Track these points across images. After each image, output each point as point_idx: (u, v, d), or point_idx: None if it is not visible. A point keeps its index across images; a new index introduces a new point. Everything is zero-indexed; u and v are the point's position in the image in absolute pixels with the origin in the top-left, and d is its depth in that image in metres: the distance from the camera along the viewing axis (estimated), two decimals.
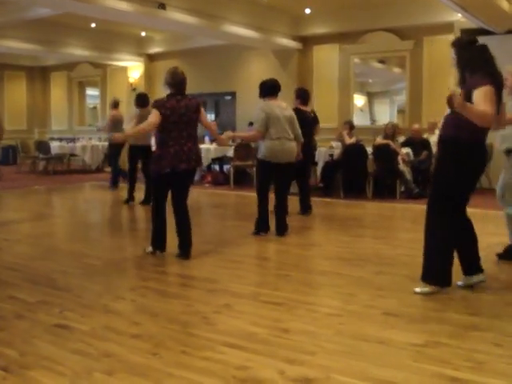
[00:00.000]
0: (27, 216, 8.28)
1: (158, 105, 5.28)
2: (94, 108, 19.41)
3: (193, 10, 11.03)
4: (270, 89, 6.80)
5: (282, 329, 3.53)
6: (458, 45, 4.59)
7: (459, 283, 4.37)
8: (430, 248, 4.27)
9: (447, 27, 11.49)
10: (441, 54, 12.12)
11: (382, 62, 13.86)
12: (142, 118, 9.44)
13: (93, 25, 14.02)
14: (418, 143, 10.42)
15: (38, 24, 13.20)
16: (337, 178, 10.38)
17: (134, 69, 17.15)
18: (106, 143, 13.47)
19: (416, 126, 11.04)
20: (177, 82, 5.45)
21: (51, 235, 6.93)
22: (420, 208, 8.83)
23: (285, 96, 13.88)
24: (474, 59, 4.40)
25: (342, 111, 13.53)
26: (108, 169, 16.13)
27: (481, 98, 3.98)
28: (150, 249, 5.64)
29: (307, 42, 13.93)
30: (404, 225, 7.81)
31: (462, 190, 4.27)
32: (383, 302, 4.06)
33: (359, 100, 14.46)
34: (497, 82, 4.17)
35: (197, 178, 13.09)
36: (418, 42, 12.53)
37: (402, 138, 10.88)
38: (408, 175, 9.91)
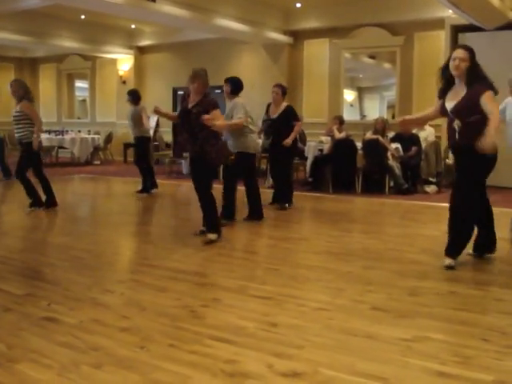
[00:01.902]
0: (15, 208, 8.23)
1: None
2: (83, 101, 19.32)
3: (183, 3, 10.99)
4: (242, 87, 7.25)
5: (271, 323, 3.53)
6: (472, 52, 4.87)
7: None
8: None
9: (438, 23, 11.51)
10: (431, 49, 12.15)
11: (372, 57, 13.87)
12: (135, 114, 9.46)
13: (82, 16, 13.93)
14: (407, 139, 10.44)
15: (28, 15, 13.09)
16: (326, 173, 10.38)
17: (123, 61, 17.07)
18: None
19: None
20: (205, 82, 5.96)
21: (39, 228, 6.89)
22: (408, 203, 8.89)
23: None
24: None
25: (332, 106, 13.54)
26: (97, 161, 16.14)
27: (491, 100, 4.62)
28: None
29: (298, 36, 13.92)
30: (393, 220, 7.83)
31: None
32: (371, 297, 4.07)
33: (349, 95, 14.47)
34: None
35: (186, 171, 13.09)
36: (408, 38, 12.54)
37: (391, 134, 10.89)
38: (397, 170, 9.93)
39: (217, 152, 5.83)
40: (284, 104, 8.12)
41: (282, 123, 7.98)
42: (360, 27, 12.95)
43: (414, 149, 10.29)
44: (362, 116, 14.65)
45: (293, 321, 3.59)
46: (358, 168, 10.03)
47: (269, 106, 8.32)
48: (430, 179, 10.42)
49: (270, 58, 14.21)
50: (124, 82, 17.11)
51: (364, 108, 15.02)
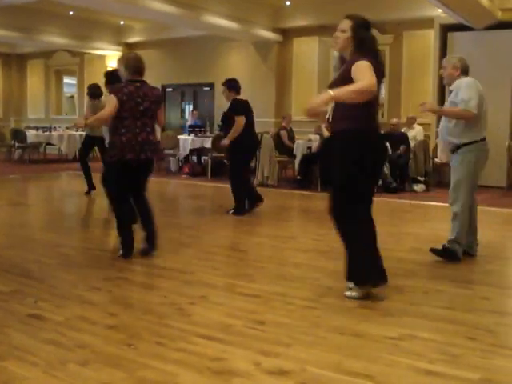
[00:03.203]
0: (2, 205, 8.18)
1: (116, 90, 5.02)
2: (71, 97, 19.23)
3: (172, 0, 10.95)
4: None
5: (258, 321, 3.52)
6: (357, 19, 4.09)
7: None
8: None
9: (427, 22, 11.54)
10: (420, 49, 12.19)
11: None
12: (95, 109, 9.30)
13: (71, 12, 13.86)
14: (396, 137, 10.47)
15: (15, 10, 13.01)
16: (314, 171, 10.39)
17: (112, 58, 16.98)
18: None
19: (394, 120, 11.09)
20: (136, 67, 5.21)
21: (26, 224, 6.84)
22: (396, 202, 8.91)
23: (264, 89, 13.87)
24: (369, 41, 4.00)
25: None
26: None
27: (361, 69, 3.71)
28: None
29: (287, 34, 13.92)
30: (380, 218, 7.78)
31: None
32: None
33: None
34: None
35: (174, 169, 13.08)
36: (397, 37, 12.58)
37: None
38: (385, 169, 9.95)
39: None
40: (231, 98, 7.62)
41: (229, 118, 7.50)
42: None
43: (402, 147, 10.33)
44: None
45: (280, 319, 3.59)
46: None
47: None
48: (419, 178, 10.45)
49: (259, 55, 14.20)
50: None
51: None
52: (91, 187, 9.09)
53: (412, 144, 10.60)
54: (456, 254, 5.00)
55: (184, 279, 4.45)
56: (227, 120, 7.64)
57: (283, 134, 11.51)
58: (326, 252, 5.45)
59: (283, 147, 11.31)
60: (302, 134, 11.66)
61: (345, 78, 3.76)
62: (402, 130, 10.95)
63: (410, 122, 11.31)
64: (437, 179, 11.13)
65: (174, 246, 5.59)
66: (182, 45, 15.34)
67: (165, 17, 11.58)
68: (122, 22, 15.61)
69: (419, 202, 8.82)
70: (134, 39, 16.36)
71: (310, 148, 10.61)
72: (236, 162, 7.61)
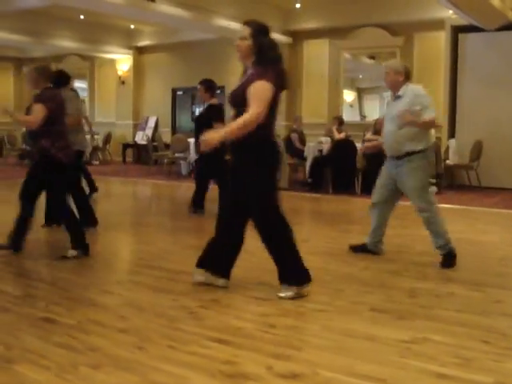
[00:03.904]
0: (13, 208, 8.20)
1: (44, 99, 5.17)
2: (82, 101, 19.29)
3: (182, 3, 10.98)
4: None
5: (269, 324, 3.52)
6: (255, 25, 4.06)
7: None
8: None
9: (438, 24, 11.51)
10: (431, 50, 12.15)
11: (372, 57, 13.87)
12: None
13: (81, 16, 13.93)
14: None
15: (27, 15, 13.09)
16: (325, 174, 10.37)
17: (122, 61, 17.07)
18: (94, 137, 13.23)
19: None
20: (53, 74, 5.47)
21: (36, 228, 6.86)
22: (407, 205, 8.86)
23: None
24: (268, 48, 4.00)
25: (331, 106, 13.53)
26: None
27: (257, 92, 3.82)
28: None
29: (297, 36, 13.91)
30: (391, 221, 7.78)
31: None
32: (370, 298, 4.06)
33: (349, 95, 14.47)
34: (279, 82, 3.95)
35: (185, 172, 13.10)
36: (408, 38, 12.54)
37: None
38: None
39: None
40: (210, 101, 7.55)
41: (204, 123, 6.97)
42: (360, 27, 12.94)
43: None
44: (362, 117, 14.64)
45: (291, 322, 3.58)
46: (358, 169, 10.02)
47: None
48: (430, 180, 10.38)
49: None
50: (123, 83, 17.12)
51: (364, 109, 15.02)
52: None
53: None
54: (453, 252, 5.00)
55: (195, 283, 4.44)
56: (200, 125, 7.27)
57: (294, 136, 11.50)
58: (338, 255, 5.43)
59: (294, 150, 11.30)
60: (313, 136, 11.64)
61: (242, 93, 3.88)
62: None
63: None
64: (448, 181, 11.09)
65: (185, 250, 5.59)
66: (192, 48, 15.37)
67: (175, 20, 11.61)
68: (132, 26, 15.66)
69: None
70: (144, 43, 16.43)
71: (321, 151, 10.60)
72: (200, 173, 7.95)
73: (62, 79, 6.79)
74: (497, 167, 10.98)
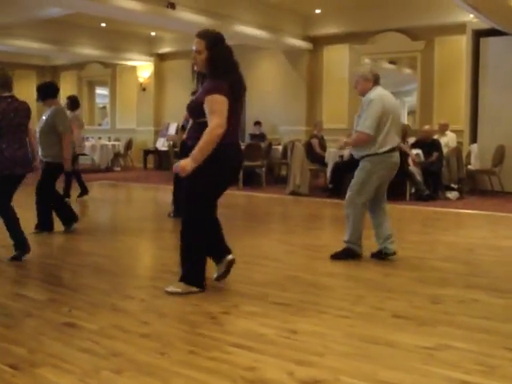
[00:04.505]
0: (34, 214, 8.28)
1: None
2: (104, 108, 19.46)
3: (202, 10, 11.04)
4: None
5: (291, 330, 3.51)
6: (209, 37, 4.17)
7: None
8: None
9: (459, 28, 11.44)
10: (452, 54, 12.08)
11: (392, 62, 13.82)
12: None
13: (103, 24, 14.07)
14: (428, 144, 10.38)
15: (49, 23, 13.25)
16: (346, 180, 10.32)
17: (143, 68, 17.18)
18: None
19: (426, 127, 10.98)
20: (7, 82, 5.22)
21: (58, 233, 6.92)
22: (430, 210, 8.82)
23: (295, 97, 13.82)
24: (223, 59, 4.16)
25: (352, 112, 13.45)
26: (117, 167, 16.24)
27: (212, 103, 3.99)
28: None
29: (317, 42, 13.91)
30: (413, 227, 7.77)
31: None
32: (392, 304, 4.03)
33: None
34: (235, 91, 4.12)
35: None
36: (429, 43, 12.48)
37: (412, 140, 10.84)
38: (418, 177, 9.86)
39: None
40: None
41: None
42: (380, 32, 12.91)
43: (435, 155, 10.22)
44: None
45: (313, 328, 3.56)
46: None
47: None
48: (452, 185, 10.33)
49: (289, 64, 14.20)
50: (144, 89, 17.23)
51: None
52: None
53: (445, 151, 10.49)
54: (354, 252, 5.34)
55: (216, 288, 4.45)
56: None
57: (314, 142, 11.48)
58: (359, 261, 5.41)
59: (315, 155, 11.28)
60: (334, 142, 11.61)
61: (197, 105, 4.08)
62: (435, 137, 10.83)
63: (443, 128, 11.20)
64: (470, 186, 11.00)
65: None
66: None
67: (195, 27, 11.57)
68: (152, 33, 15.77)
69: (452, 210, 8.71)
70: (164, 50, 16.53)
71: (341, 156, 10.56)
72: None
73: (50, 91, 6.85)
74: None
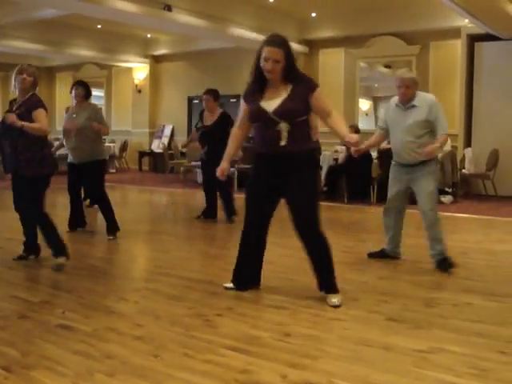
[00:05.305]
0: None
1: None
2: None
3: (198, 12, 11.04)
4: None
5: (285, 333, 3.51)
6: (286, 46, 4.18)
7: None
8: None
9: (454, 32, 11.48)
10: (447, 59, 12.12)
11: (387, 66, 13.84)
12: None
13: (99, 26, 14.05)
14: None
15: (45, 25, 13.22)
16: (341, 183, 10.35)
17: (139, 70, 17.17)
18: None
19: None
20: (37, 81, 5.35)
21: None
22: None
23: None
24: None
25: (347, 115, 13.49)
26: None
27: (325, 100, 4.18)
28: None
29: (313, 45, 13.93)
30: (407, 230, 7.74)
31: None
32: (387, 308, 4.04)
33: (364, 104, 14.44)
34: None
35: (200, 180, 13.13)
36: (424, 47, 12.51)
37: None
38: None
39: (29, 162, 5.02)
40: (219, 110, 7.70)
41: (218, 131, 7.30)
42: (375, 36, 12.94)
43: None
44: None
45: (307, 331, 3.57)
46: (373, 178, 9.99)
47: (202, 112, 7.96)
48: (446, 189, 10.35)
49: None
50: (139, 91, 17.21)
51: (379, 117, 14.97)
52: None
53: (439, 155, 10.48)
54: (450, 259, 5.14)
55: (211, 290, 4.45)
56: (214, 134, 7.45)
57: None
58: (354, 264, 5.42)
59: None
60: (329, 145, 11.63)
61: (297, 104, 4.11)
62: None
63: None
64: (465, 190, 11.02)
65: (201, 258, 5.61)
66: (209, 57, 15.44)
67: (191, 29, 11.67)
68: (148, 35, 15.77)
69: (446, 214, 8.72)
70: (160, 52, 16.52)
71: (336, 159, 10.58)
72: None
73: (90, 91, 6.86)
74: None
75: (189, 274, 4.97)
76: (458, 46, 11.54)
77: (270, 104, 4.04)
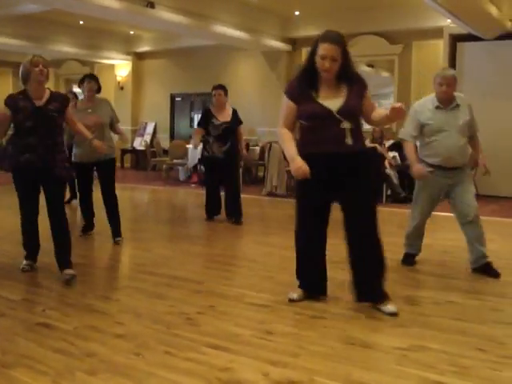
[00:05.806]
0: (12, 213, 8.19)
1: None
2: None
3: (182, 10, 10.99)
4: None
5: (266, 331, 3.51)
6: (343, 43, 3.99)
7: None
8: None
9: (436, 32, 11.53)
10: (429, 58, 12.17)
11: (370, 65, 13.88)
12: None
13: (81, 22, 13.94)
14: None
15: (26, 20, 13.10)
16: None
17: (121, 67, 17.08)
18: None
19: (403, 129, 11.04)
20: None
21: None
22: (406, 212, 8.84)
23: (273, 98, 13.81)
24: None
25: None
26: None
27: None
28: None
29: (296, 43, 13.94)
30: (390, 229, 7.78)
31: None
32: (368, 306, 4.05)
33: None
34: None
35: (182, 178, 13.11)
36: (406, 47, 12.57)
37: (389, 142, 10.91)
38: (395, 179, 9.93)
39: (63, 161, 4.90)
40: (230, 106, 7.61)
41: (234, 127, 7.49)
42: (358, 36, 12.96)
43: None
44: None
45: (289, 329, 3.57)
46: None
47: (208, 110, 7.64)
48: None
49: (268, 65, 14.21)
50: (122, 88, 17.12)
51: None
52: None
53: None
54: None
55: (193, 289, 4.44)
56: (232, 130, 7.48)
57: None
58: (335, 262, 5.40)
59: None
60: None
61: (358, 102, 4.05)
62: None
63: None
64: None
65: (183, 256, 5.59)
66: (191, 54, 15.38)
67: (174, 26, 11.61)
68: (131, 32, 15.68)
69: None
70: (143, 49, 16.44)
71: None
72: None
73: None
74: (494, 176, 10.95)
75: (171, 272, 4.95)
76: (441, 46, 11.60)
77: (332, 103, 3.90)
